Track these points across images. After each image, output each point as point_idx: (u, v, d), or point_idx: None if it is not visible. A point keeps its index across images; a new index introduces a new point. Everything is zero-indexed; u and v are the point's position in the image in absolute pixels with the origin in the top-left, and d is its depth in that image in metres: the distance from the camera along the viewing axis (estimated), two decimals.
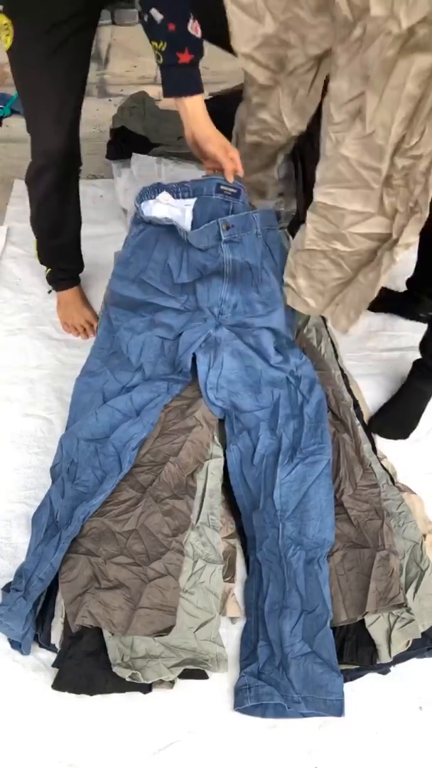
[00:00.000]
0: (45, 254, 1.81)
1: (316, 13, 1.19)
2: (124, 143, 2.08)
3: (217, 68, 2.35)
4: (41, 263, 1.84)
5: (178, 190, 1.54)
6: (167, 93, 1.32)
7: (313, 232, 1.30)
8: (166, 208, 1.54)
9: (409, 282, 1.82)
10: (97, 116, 2.52)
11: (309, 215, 1.30)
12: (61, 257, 1.81)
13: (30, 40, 1.35)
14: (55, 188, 1.61)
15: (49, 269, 1.84)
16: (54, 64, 1.39)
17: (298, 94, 1.37)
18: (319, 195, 1.25)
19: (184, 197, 1.54)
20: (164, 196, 1.54)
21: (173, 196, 1.54)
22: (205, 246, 1.50)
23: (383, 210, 1.21)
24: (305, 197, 1.89)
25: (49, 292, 1.91)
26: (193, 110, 1.32)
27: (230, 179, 1.46)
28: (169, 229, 1.51)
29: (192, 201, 1.54)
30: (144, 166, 1.98)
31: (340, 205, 1.21)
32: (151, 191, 1.55)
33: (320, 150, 1.24)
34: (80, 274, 1.87)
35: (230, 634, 1.26)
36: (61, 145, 1.50)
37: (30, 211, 1.70)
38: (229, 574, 1.31)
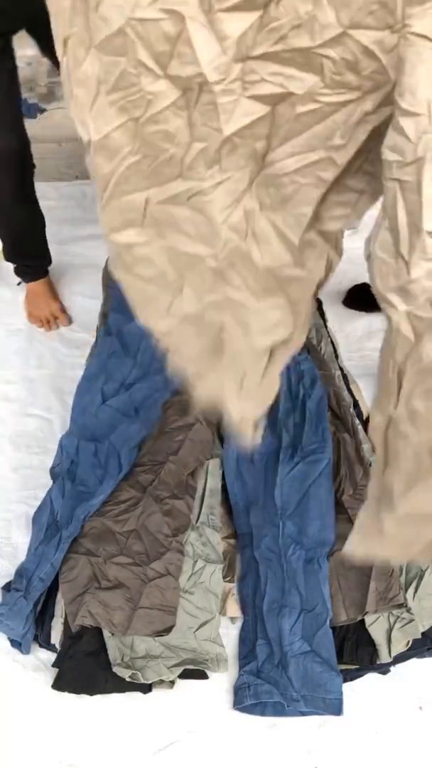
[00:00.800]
0: (10, 254, 1.81)
1: (263, 296, 0.73)
2: None
3: None
4: (6, 260, 1.84)
5: None
6: None
7: None
8: None
9: None
10: None
11: None
12: (28, 256, 1.82)
13: None
14: (17, 196, 1.62)
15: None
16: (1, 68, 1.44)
17: (247, 379, 0.86)
18: None
19: None
20: None
21: None
22: None
23: None
24: None
25: (18, 284, 1.90)
26: None
27: None
28: None
29: None
30: None
31: None
32: None
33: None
34: (82, 274, 1.87)
35: (230, 633, 1.25)
36: (17, 143, 1.53)
37: None
38: (229, 573, 1.31)
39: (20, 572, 1.27)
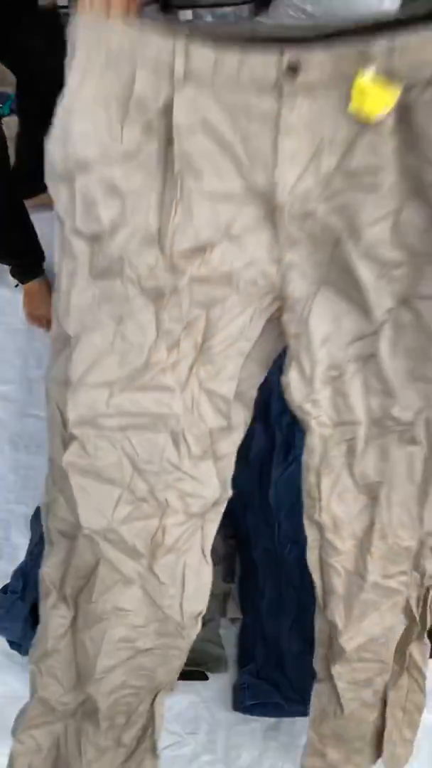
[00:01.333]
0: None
1: (199, 462, 0.86)
2: None
3: None
4: None
5: None
6: None
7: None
8: None
9: None
10: None
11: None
12: (17, 256, 1.80)
13: None
14: None
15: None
16: None
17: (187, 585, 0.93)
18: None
19: None
20: None
21: None
22: None
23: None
24: None
25: (16, 286, 1.87)
26: None
27: None
28: None
29: None
30: None
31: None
32: None
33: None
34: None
35: (230, 634, 1.25)
36: None
37: None
38: (229, 574, 1.31)
39: (17, 574, 1.27)
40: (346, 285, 0.75)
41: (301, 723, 1.15)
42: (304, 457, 0.88)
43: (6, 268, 1.91)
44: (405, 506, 0.86)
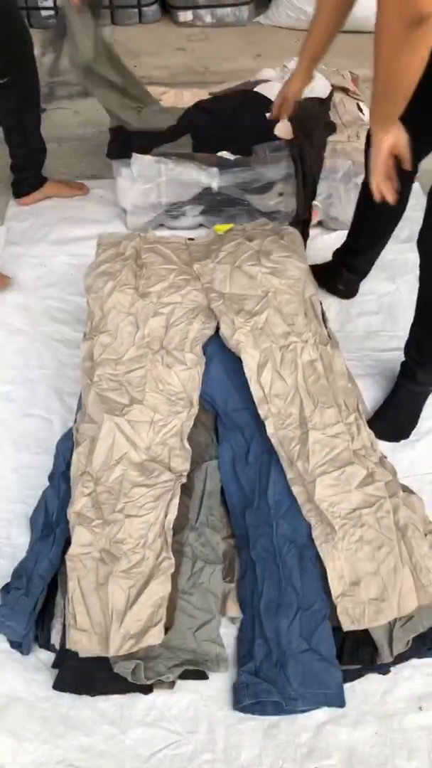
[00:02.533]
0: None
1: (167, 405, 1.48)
2: (123, 143, 2.08)
3: (216, 68, 2.37)
4: None
5: None
6: None
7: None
8: None
9: (335, 253, 1.87)
10: (97, 116, 2.52)
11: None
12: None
13: None
14: None
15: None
16: None
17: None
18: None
19: None
20: None
21: None
22: None
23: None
24: (304, 195, 1.89)
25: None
26: None
27: None
28: None
29: None
30: (144, 166, 1.99)
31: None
32: None
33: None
34: (81, 274, 1.87)
35: (230, 633, 1.26)
36: None
37: None
38: (229, 574, 1.31)
39: (19, 572, 1.28)
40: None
41: (300, 722, 1.16)
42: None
43: (8, 269, 1.91)
44: None
